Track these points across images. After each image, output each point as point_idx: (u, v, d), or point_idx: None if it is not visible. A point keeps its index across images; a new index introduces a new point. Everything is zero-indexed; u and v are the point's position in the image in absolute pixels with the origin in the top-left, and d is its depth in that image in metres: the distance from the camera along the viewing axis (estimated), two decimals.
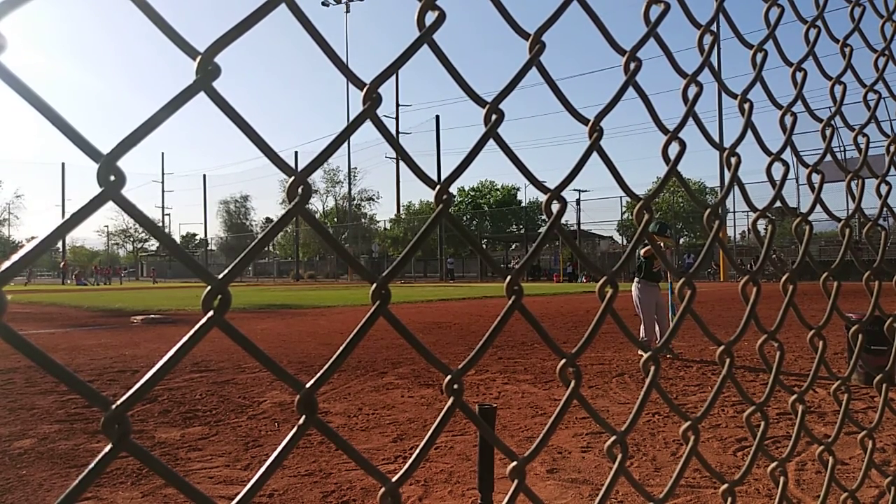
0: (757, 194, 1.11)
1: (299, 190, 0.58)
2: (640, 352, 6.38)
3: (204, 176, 61.44)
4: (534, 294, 19.35)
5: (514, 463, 0.74)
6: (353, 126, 0.63)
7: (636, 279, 6.70)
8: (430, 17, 0.68)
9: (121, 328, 9.97)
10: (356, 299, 16.66)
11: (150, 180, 68.59)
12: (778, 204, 1.13)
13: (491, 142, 0.75)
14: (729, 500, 1.02)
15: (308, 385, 0.58)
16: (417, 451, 0.65)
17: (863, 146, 1.33)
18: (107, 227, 70.13)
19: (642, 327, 6.58)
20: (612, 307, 0.84)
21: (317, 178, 54.26)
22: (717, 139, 1.09)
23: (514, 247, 49.96)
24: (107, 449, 0.47)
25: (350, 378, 5.21)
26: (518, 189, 57.47)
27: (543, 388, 4.82)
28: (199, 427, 3.73)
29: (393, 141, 0.70)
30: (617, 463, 0.85)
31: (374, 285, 0.63)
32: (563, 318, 10.98)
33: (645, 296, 6.57)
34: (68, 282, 46.85)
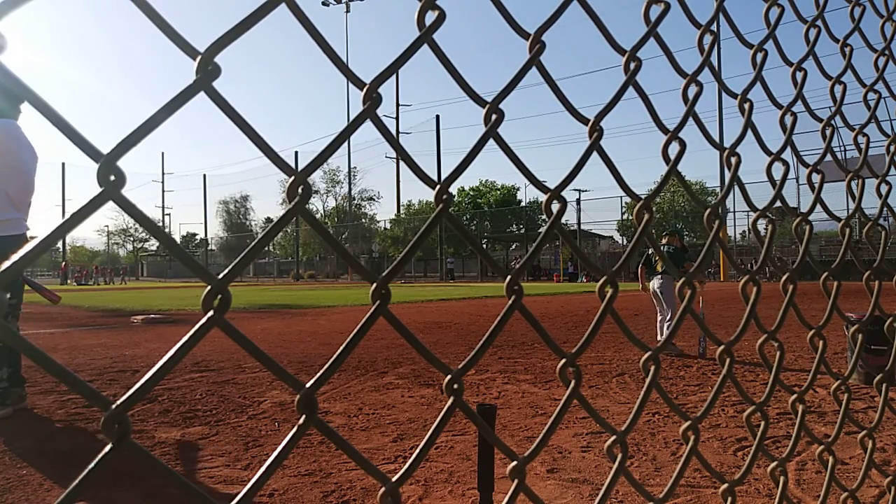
0: (757, 194, 1.12)
1: (299, 190, 0.58)
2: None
3: (204, 176, 61.49)
4: (534, 294, 19.35)
5: (515, 462, 0.74)
6: (353, 126, 0.63)
7: (658, 275, 6.69)
8: (430, 16, 0.68)
9: (121, 328, 9.97)
10: (356, 299, 16.66)
11: (150, 180, 68.78)
12: (778, 204, 1.13)
13: (491, 142, 0.75)
14: (729, 499, 1.02)
15: (308, 385, 0.58)
16: (417, 450, 0.65)
17: (863, 146, 1.33)
18: (107, 226, 70.29)
19: (666, 325, 6.53)
20: (612, 307, 0.84)
21: (317, 178, 54.32)
22: (717, 139, 1.09)
23: (514, 247, 49.97)
24: (107, 449, 0.47)
25: (350, 378, 5.21)
26: (518, 189, 57.56)
27: (543, 388, 4.81)
28: (199, 427, 3.73)
29: (393, 141, 0.70)
30: (617, 463, 0.85)
31: (374, 285, 0.63)
32: (563, 317, 10.98)
33: (669, 288, 6.56)
34: (69, 281, 47.00)
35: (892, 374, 1.36)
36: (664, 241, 7.15)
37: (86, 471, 0.46)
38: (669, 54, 0.96)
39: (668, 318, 6.59)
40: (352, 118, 0.63)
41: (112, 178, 0.48)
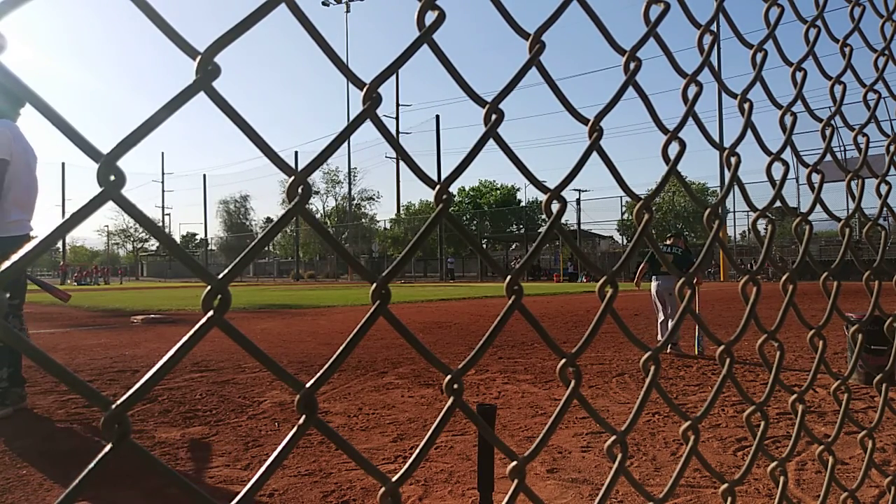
0: (757, 194, 1.12)
1: (299, 190, 0.58)
2: (670, 350, 6.43)
3: (204, 176, 61.42)
4: (534, 294, 19.35)
5: (514, 462, 0.74)
6: (353, 126, 0.63)
7: (660, 276, 6.68)
8: (430, 16, 0.68)
9: (121, 328, 9.96)
10: (356, 299, 16.66)
11: (150, 180, 68.79)
12: (778, 204, 1.13)
13: (491, 142, 0.75)
14: (729, 499, 1.02)
15: (308, 385, 0.58)
16: (417, 450, 0.65)
17: (863, 146, 1.33)
18: (107, 226, 70.25)
19: (671, 323, 6.53)
20: (612, 307, 0.84)
21: (317, 178, 54.30)
22: (717, 139, 1.09)
23: (514, 247, 49.95)
24: (107, 449, 0.47)
25: (350, 378, 5.21)
26: (518, 189, 57.57)
27: (543, 388, 4.81)
28: (199, 427, 3.73)
29: (393, 141, 0.70)
30: (617, 463, 0.85)
31: (374, 285, 0.63)
32: (563, 317, 10.98)
33: (671, 289, 6.56)
34: (68, 281, 47.02)
35: (892, 374, 1.36)
36: (669, 241, 7.16)
37: (86, 471, 0.46)
38: (669, 54, 0.96)
39: (670, 318, 6.59)
40: (352, 118, 0.63)
41: (112, 178, 0.48)
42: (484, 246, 29.04)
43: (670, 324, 6.55)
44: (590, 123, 0.84)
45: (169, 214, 71.79)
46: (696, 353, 6.69)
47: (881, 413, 1.35)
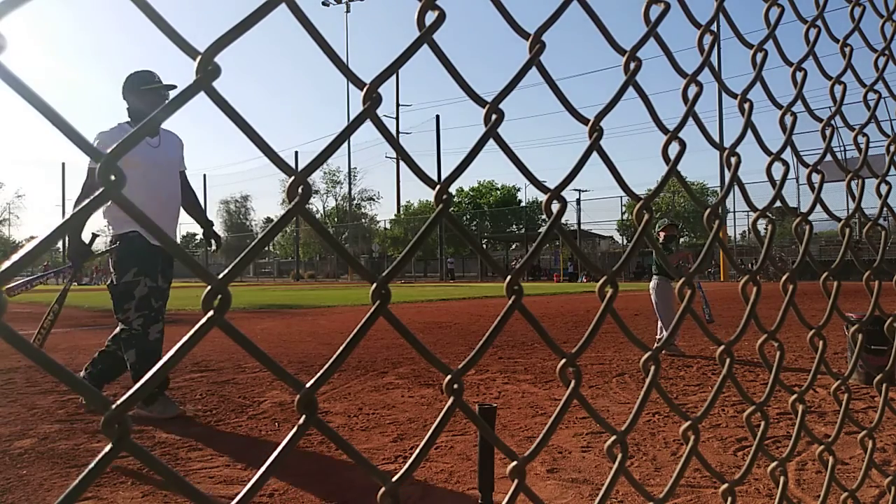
0: (757, 194, 1.12)
1: (299, 190, 0.58)
2: (666, 353, 6.41)
3: (204, 176, 61.32)
4: (534, 294, 19.35)
5: (515, 463, 0.74)
6: (353, 126, 0.63)
7: (655, 276, 6.67)
8: (430, 16, 0.68)
9: None
10: (356, 299, 16.66)
11: None
12: (778, 204, 1.13)
13: (491, 142, 0.75)
14: (729, 499, 1.02)
15: (308, 385, 0.58)
16: (417, 450, 0.65)
17: (863, 146, 1.33)
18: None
19: (666, 324, 6.51)
20: (612, 307, 0.84)
21: (317, 178, 54.36)
22: (717, 139, 1.09)
23: (514, 247, 49.97)
24: (107, 449, 0.47)
25: (350, 378, 5.21)
26: (518, 189, 57.59)
27: (543, 388, 4.81)
28: (199, 427, 3.73)
29: (393, 141, 0.70)
30: (617, 463, 0.85)
31: (374, 285, 0.63)
32: (563, 317, 10.98)
33: (665, 292, 6.55)
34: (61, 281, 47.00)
35: (892, 374, 1.36)
36: (660, 237, 7.11)
37: (86, 471, 0.46)
38: (669, 54, 0.96)
39: (665, 319, 6.58)
40: (352, 118, 0.63)
41: (112, 177, 0.48)
42: (484, 246, 29.04)
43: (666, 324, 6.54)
44: (590, 123, 0.85)
45: None
46: (706, 320, 6.63)
47: (881, 413, 1.36)
